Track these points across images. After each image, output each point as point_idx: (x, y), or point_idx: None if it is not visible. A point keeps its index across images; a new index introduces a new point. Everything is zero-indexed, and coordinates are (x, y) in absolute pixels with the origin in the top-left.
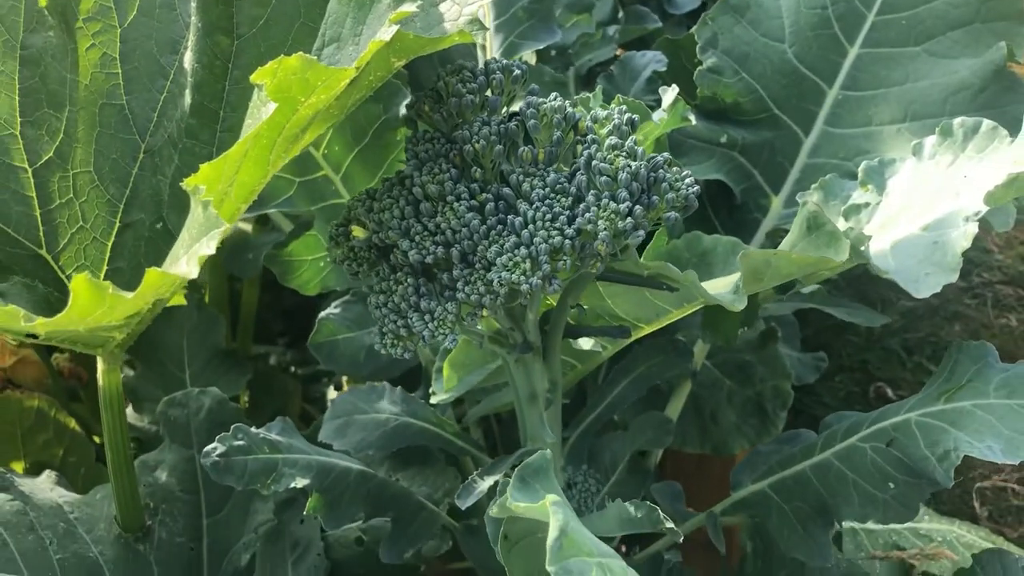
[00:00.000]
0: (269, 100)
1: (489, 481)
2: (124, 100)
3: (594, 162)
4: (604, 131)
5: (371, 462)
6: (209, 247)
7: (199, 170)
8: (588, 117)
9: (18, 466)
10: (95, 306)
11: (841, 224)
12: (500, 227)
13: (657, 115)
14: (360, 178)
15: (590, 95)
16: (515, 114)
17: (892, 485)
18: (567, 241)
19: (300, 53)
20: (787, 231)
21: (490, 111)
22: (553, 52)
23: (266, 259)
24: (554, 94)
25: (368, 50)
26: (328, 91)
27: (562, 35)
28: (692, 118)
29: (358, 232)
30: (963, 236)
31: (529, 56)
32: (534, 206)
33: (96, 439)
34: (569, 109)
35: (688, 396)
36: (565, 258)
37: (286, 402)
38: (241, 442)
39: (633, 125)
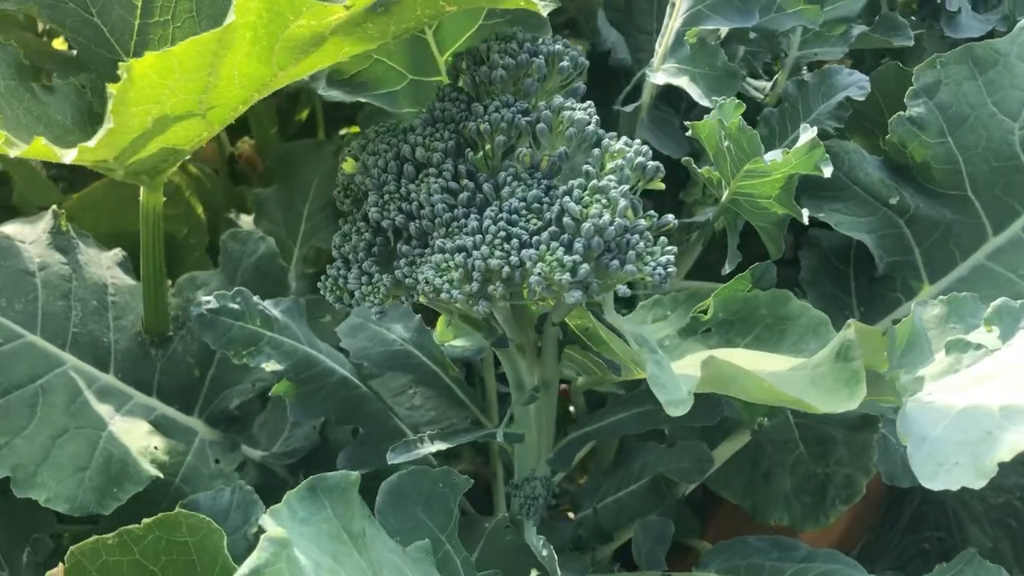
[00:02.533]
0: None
1: (430, 447)
2: None
3: (566, 199)
4: (608, 167)
5: (364, 373)
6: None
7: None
8: (596, 150)
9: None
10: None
11: (938, 359)
12: (464, 222)
13: (773, 155)
14: None
15: (728, 101)
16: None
17: None
18: (506, 268)
19: None
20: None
21: (523, 94)
22: (754, 34)
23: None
24: (588, 103)
25: None
26: (319, 18)
27: (778, 19)
28: (826, 171)
29: (347, 166)
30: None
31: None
32: (500, 216)
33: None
34: (590, 128)
35: (751, 444)
36: (498, 285)
37: None
38: (236, 306)
39: (644, 171)
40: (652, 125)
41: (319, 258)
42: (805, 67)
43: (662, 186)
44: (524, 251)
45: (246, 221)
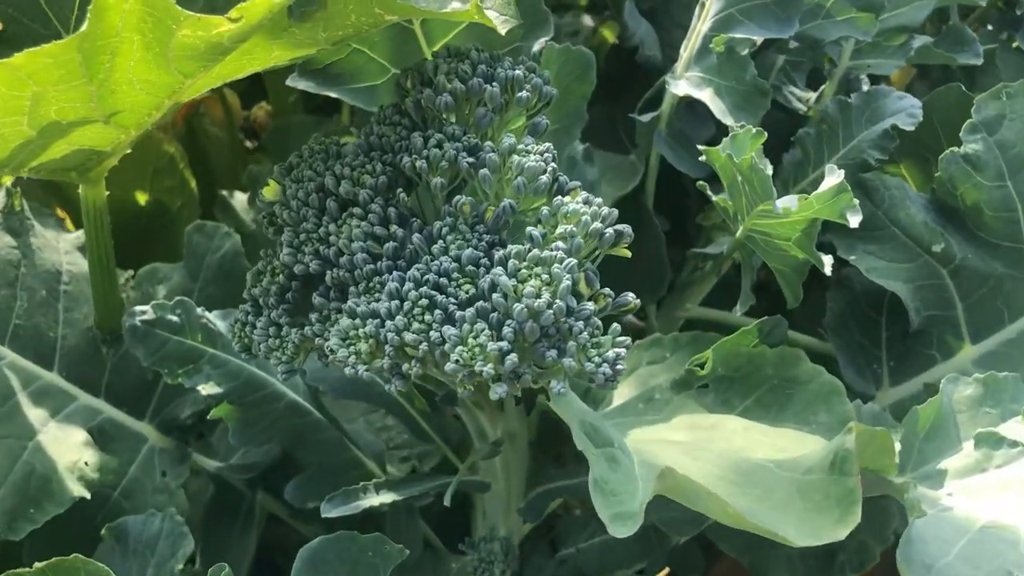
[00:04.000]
0: None
1: (374, 499)
2: None
3: (497, 270)
4: (556, 232)
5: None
6: None
7: None
8: (545, 209)
9: (142, 198)
10: None
11: (966, 449)
12: (387, 277)
13: (788, 201)
14: None
15: (746, 131)
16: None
17: None
18: (424, 345)
19: None
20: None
21: (473, 125)
22: (796, 43)
23: None
24: (546, 146)
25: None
26: (200, 30)
27: (824, 28)
28: (852, 220)
29: (268, 192)
30: None
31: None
32: (425, 278)
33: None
34: (543, 178)
35: None
36: (414, 364)
37: None
38: (175, 318)
39: (601, 239)
40: (671, 139)
41: None
42: (863, 78)
43: (627, 254)
44: (446, 328)
45: (240, 199)
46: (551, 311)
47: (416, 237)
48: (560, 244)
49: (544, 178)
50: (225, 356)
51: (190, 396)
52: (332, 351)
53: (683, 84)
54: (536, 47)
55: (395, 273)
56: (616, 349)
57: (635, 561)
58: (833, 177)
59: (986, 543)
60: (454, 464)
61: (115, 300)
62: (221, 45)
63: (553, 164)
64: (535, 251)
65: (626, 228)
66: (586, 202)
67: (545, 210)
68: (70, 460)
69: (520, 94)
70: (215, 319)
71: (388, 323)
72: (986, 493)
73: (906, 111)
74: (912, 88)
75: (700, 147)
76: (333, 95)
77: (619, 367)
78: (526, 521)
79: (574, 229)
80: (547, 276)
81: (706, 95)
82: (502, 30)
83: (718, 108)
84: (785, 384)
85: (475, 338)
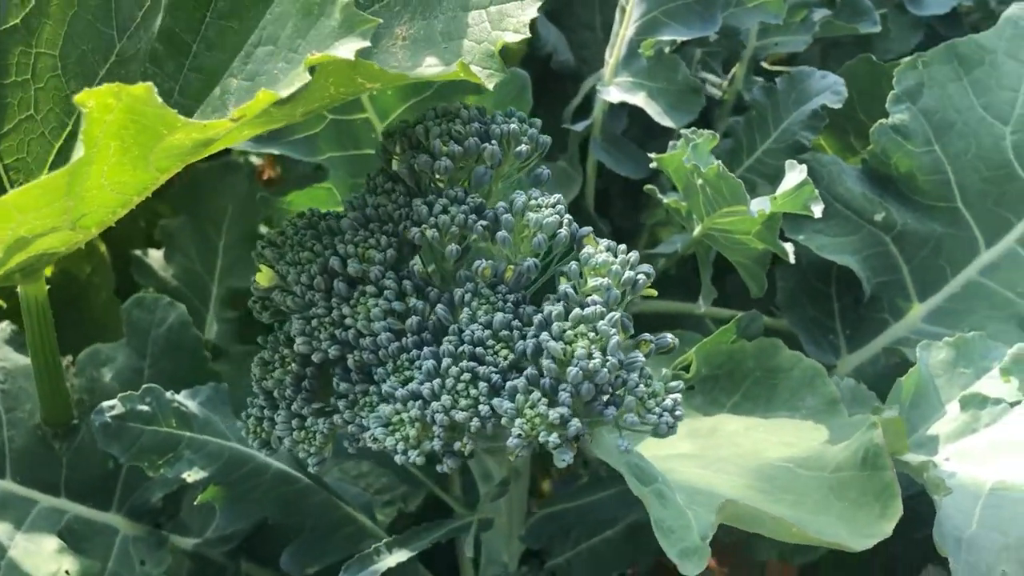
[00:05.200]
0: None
1: (397, 557)
2: None
3: (544, 335)
4: (589, 286)
5: None
6: None
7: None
8: (573, 264)
9: (47, 269)
10: None
11: (951, 412)
12: (415, 353)
13: (759, 205)
14: None
15: (701, 138)
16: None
17: None
18: (475, 421)
19: (147, 85)
20: (917, 344)
21: (473, 184)
22: (716, 35)
23: (260, 202)
24: (556, 197)
25: (255, 102)
26: (196, 134)
27: (738, 16)
28: (816, 210)
29: (262, 278)
30: None
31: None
32: (460, 349)
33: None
34: (562, 232)
35: None
36: (467, 442)
37: None
38: (145, 407)
39: (635, 287)
40: (607, 144)
41: (240, 301)
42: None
43: (654, 293)
44: (496, 400)
45: (156, 256)
46: (605, 370)
47: (440, 308)
48: (596, 298)
49: (563, 231)
50: (203, 438)
51: (158, 479)
52: (376, 439)
53: (614, 91)
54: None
55: (426, 349)
56: (672, 396)
57: (627, 561)
58: (795, 173)
59: (1003, 507)
60: (443, 501)
61: (62, 391)
62: (211, 140)
63: (568, 216)
64: (577, 310)
65: (649, 269)
66: (609, 250)
67: (574, 265)
68: (49, 571)
69: (519, 148)
70: (185, 400)
71: (433, 404)
72: (982, 454)
73: (830, 89)
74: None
75: (652, 155)
76: (276, 151)
77: (678, 414)
78: (528, 547)
79: (608, 282)
80: (594, 334)
81: (640, 99)
82: (489, 84)
83: (654, 110)
84: (768, 375)
85: (532, 408)
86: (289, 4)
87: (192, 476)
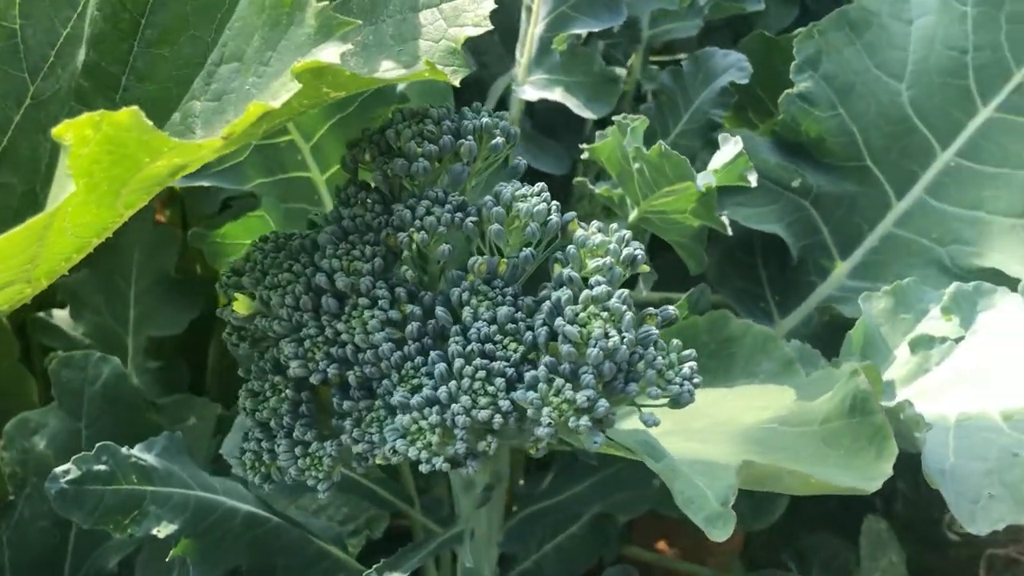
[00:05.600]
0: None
1: None
2: (18, 23)
3: (559, 321)
4: (591, 265)
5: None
6: None
7: None
8: (571, 248)
9: None
10: None
11: (901, 357)
12: (419, 359)
13: (704, 179)
14: (334, 151)
15: (635, 122)
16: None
17: None
18: (497, 417)
19: (133, 109)
20: (846, 301)
21: (450, 183)
22: (617, 26)
23: (192, 237)
24: (540, 185)
25: (246, 116)
26: (186, 156)
27: (636, 4)
28: (751, 180)
29: (240, 306)
30: None
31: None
32: (469, 348)
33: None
34: (553, 217)
35: None
36: (491, 440)
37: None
38: (103, 466)
39: (634, 264)
40: (526, 142)
41: (160, 349)
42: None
43: (647, 269)
44: (518, 393)
45: (61, 316)
46: (624, 347)
47: (440, 311)
48: (599, 279)
49: (554, 218)
50: (167, 490)
51: (111, 544)
52: (396, 451)
53: (530, 89)
54: (400, 85)
55: (434, 353)
56: (688, 364)
57: (594, 552)
58: (729, 146)
59: (972, 436)
60: (406, 524)
61: None
62: (185, 167)
63: (556, 203)
64: (586, 292)
65: (639, 244)
66: (600, 230)
67: (571, 249)
68: None
69: (494, 141)
70: (141, 453)
71: (453, 407)
72: (939, 391)
73: (735, 66)
74: None
75: (584, 146)
76: (206, 183)
77: (697, 381)
78: (505, 552)
79: (609, 260)
80: (606, 314)
81: (557, 94)
82: (455, 81)
83: (573, 103)
84: (723, 345)
85: (557, 395)
86: (253, 17)
87: (163, 531)
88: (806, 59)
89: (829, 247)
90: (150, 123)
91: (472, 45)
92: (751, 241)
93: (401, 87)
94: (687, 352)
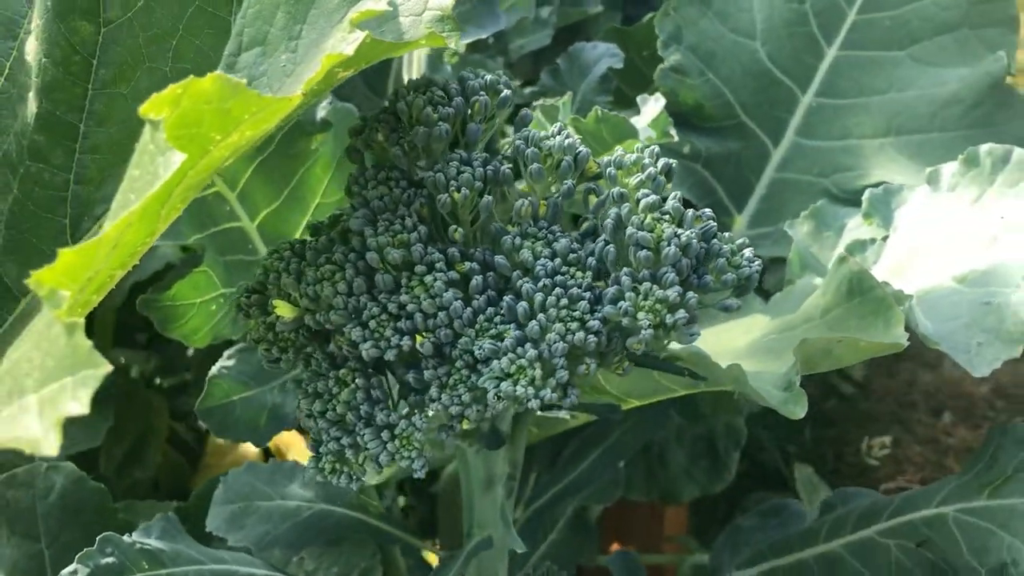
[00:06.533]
0: (169, 146)
1: None
2: None
3: (629, 230)
4: (632, 181)
5: (277, 559)
6: (76, 405)
7: (57, 260)
8: (609, 161)
9: None
10: None
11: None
12: (491, 310)
13: (644, 132)
14: (261, 196)
15: (556, 102)
16: (494, 149)
17: None
18: (591, 337)
19: (218, 73)
20: (755, 248)
21: (468, 145)
22: (491, 39)
23: (141, 304)
24: (558, 125)
25: (321, 68)
26: (259, 126)
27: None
28: (674, 133)
29: (284, 311)
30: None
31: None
32: (541, 283)
33: None
34: (581, 148)
35: None
36: (589, 361)
37: (151, 422)
38: (111, 559)
39: (669, 174)
40: None
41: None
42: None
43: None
44: (606, 309)
45: None
46: (695, 241)
47: (499, 259)
48: (646, 191)
49: (583, 149)
50: (182, 569)
51: None
52: (500, 394)
53: None
54: (320, 113)
55: (507, 298)
56: (747, 249)
57: (576, 551)
58: (650, 104)
59: (938, 304)
60: (416, 552)
61: None
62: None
63: (577, 136)
64: (645, 200)
65: (668, 159)
66: (637, 151)
67: (611, 170)
68: None
69: (503, 94)
70: (143, 539)
71: (548, 336)
72: (889, 279)
73: (607, 55)
74: None
75: None
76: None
77: (758, 263)
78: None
79: (651, 170)
80: (671, 214)
81: None
82: (452, 44)
83: None
84: None
85: (646, 298)
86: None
87: None
88: (669, 35)
89: (726, 204)
90: (240, 80)
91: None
92: None
93: (321, 114)
94: (742, 241)
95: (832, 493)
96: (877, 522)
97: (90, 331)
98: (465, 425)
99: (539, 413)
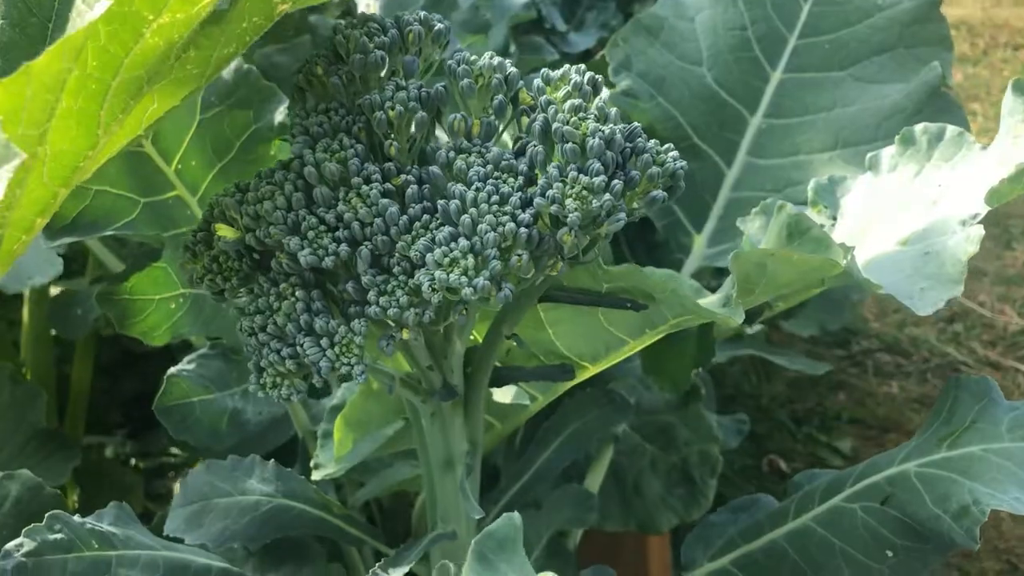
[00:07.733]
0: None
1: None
2: None
3: (555, 125)
4: (560, 93)
5: (235, 558)
6: None
7: None
8: (537, 81)
9: None
10: None
11: None
12: (427, 217)
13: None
14: None
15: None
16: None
17: (891, 553)
18: (522, 229)
19: None
20: (716, 270)
21: (404, 75)
22: None
23: (99, 298)
24: (489, 53)
25: None
26: (187, 7)
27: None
28: None
29: (225, 231)
30: (967, 241)
31: None
32: (474, 186)
33: None
34: (511, 68)
35: (610, 468)
36: (520, 252)
37: (124, 499)
38: (59, 535)
39: (596, 86)
40: None
41: None
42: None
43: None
44: (537, 200)
45: None
46: (619, 137)
47: (434, 169)
48: (574, 97)
49: (512, 69)
50: (134, 552)
51: None
52: (434, 285)
53: None
54: (279, 117)
55: (441, 201)
56: (672, 152)
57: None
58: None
59: (884, 263)
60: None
61: None
62: (168, 53)
63: (501, 59)
64: (570, 102)
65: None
66: (564, 69)
67: (537, 82)
68: None
69: (437, 27)
70: (95, 522)
71: (479, 227)
72: None
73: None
74: None
75: None
76: (108, 233)
77: (682, 162)
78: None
79: (578, 79)
80: (595, 113)
81: None
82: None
83: None
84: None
85: (573, 186)
86: None
87: None
88: (619, 63)
89: (684, 224)
90: None
91: None
92: (616, 233)
93: (279, 119)
94: (667, 144)
95: (799, 474)
96: (843, 490)
97: (62, 417)
98: (405, 335)
99: (496, 400)
